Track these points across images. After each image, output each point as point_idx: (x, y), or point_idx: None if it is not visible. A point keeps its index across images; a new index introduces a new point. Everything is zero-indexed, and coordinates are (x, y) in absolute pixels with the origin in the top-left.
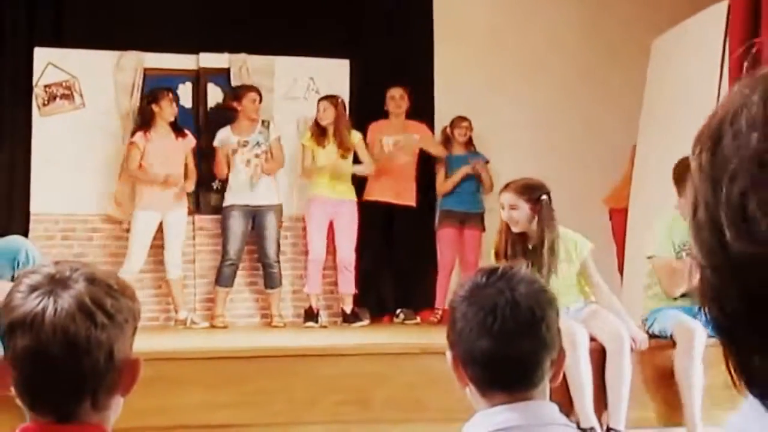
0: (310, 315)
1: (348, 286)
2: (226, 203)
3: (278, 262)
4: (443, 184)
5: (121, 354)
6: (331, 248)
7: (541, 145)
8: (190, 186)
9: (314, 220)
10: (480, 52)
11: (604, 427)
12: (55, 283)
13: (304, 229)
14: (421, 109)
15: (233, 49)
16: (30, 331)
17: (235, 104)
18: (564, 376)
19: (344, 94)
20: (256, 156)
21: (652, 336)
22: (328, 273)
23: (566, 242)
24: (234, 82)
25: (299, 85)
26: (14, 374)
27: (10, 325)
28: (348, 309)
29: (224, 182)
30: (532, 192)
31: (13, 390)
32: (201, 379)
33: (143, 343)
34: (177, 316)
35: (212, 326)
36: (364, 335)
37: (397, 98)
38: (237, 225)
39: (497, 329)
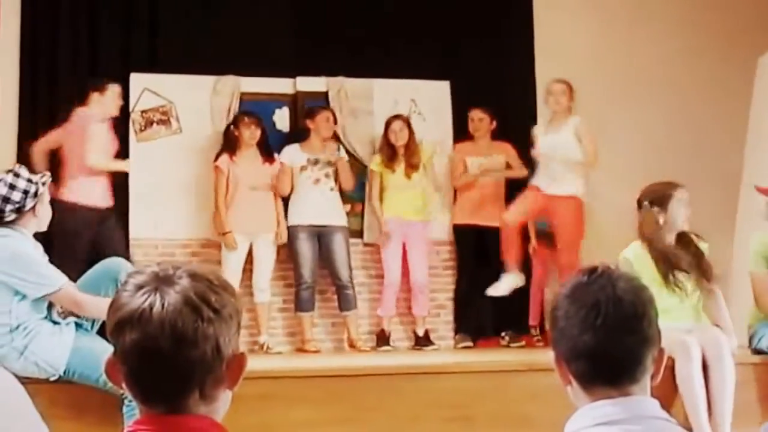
0: (382, 338)
1: (422, 308)
2: (290, 223)
3: (352, 283)
4: None
5: (228, 348)
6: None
7: (644, 166)
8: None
9: (388, 242)
10: (581, 73)
11: None
12: (160, 281)
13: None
14: (524, 130)
15: (330, 72)
16: (138, 327)
17: (308, 122)
18: (677, 388)
19: (446, 116)
20: (326, 176)
21: (758, 352)
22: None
23: None
24: (332, 106)
25: (401, 108)
26: (123, 369)
27: (118, 323)
28: (421, 332)
29: (284, 200)
30: (641, 197)
31: (125, 386)
32: (309, 397)
33: (253, 363)
34: (258, 339)
35: (302, 350)
36: (469, 355)
37: (476, 120)
38: (305, 247)
39: (600, 324)
